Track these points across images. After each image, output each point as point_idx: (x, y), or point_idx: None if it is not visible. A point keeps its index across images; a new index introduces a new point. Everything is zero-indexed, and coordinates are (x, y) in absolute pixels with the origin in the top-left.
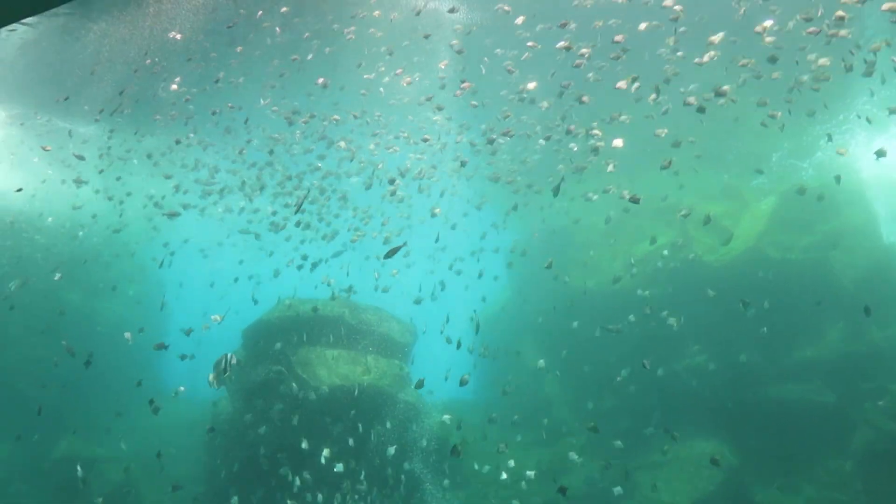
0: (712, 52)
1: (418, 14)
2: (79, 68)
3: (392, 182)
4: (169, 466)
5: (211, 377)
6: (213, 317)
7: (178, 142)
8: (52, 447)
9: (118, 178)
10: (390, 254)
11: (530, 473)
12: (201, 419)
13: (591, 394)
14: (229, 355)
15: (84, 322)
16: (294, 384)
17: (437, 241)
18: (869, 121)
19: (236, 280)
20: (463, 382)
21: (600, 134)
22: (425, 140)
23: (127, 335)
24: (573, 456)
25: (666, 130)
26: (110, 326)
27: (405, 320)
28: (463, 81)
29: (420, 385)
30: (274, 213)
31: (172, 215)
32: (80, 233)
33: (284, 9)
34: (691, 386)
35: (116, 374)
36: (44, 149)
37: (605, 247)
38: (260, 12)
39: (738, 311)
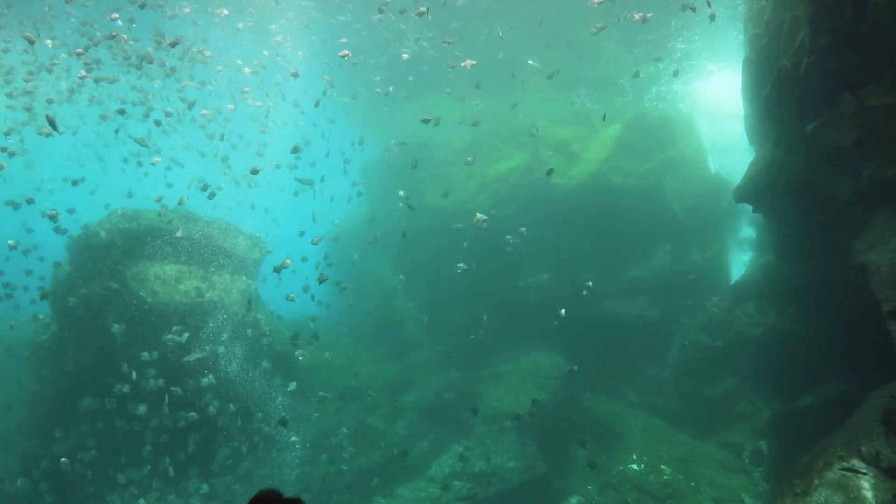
0: None
1: None
2: None
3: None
4: None
5: None
6: None
7: None
8: None
9: None
10: None
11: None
12: (23, 339)
13: (440, 311)
14: None
15: None
16: (129, 301)
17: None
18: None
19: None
20: (290, 299)
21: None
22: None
23: None
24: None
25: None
26: None
27: (254, 235)
28: None
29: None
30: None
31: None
32: None
33: None
34: (533, 302)
35: None
36: None
37: (460, 166)
38: None
39: (581, 232)
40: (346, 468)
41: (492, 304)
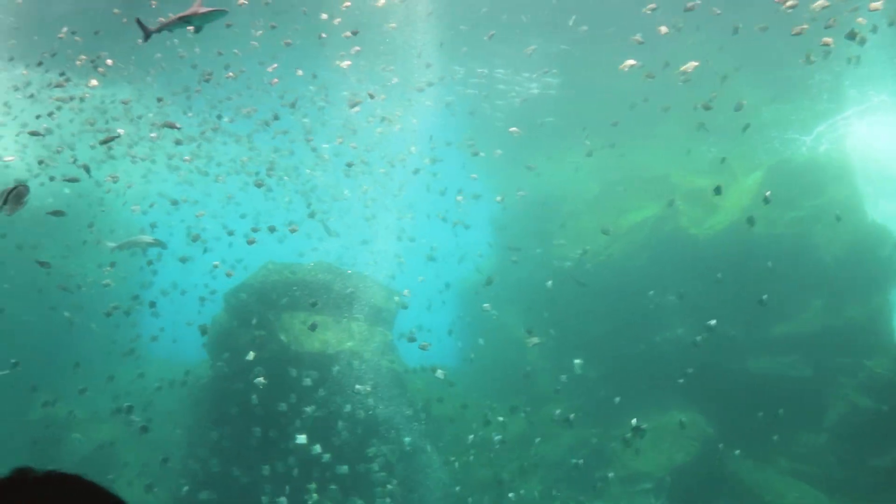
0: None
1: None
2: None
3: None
4: (151, 428)
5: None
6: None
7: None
8: (29, 408)
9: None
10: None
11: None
12: (183, 381)
13: (572, 364)
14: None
15: (63, 280)
16: (276, 349)
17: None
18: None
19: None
20: (423, 348)
21: None
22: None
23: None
24: None
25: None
26: (89, 285)
27: (390, 287)
28: None
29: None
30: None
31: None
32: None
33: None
34: (670, 358)
35: (96, 334)
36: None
37: (589, 217)
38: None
39: (721, 284)
40: None
41: (626, 358)
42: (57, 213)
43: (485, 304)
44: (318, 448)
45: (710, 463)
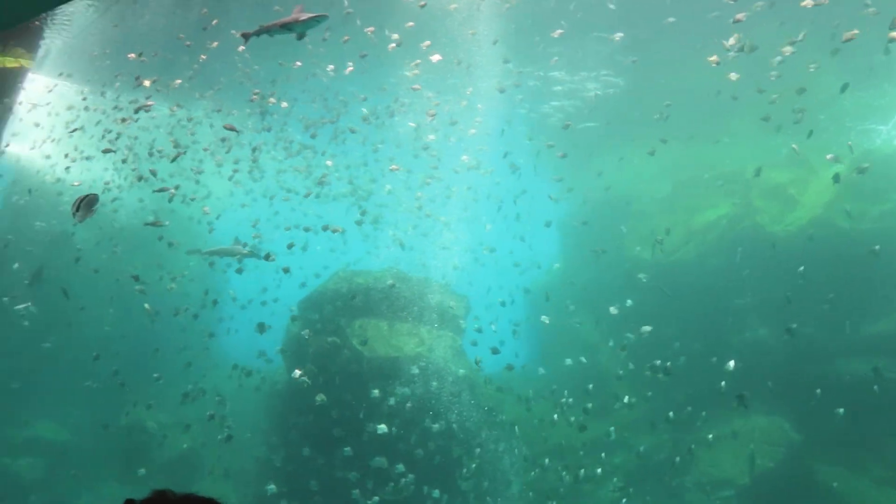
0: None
1: None
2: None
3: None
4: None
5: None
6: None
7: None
8: (119, 414)
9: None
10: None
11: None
12: (261, 386)
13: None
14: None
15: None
16: (348, 355)
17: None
18: None
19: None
20: (494, 351)
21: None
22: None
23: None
24: None
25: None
26: (168, 295)
27: (458, 292)
28: None
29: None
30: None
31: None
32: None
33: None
34: (749, 360)
35: (176, 343)
36: (122, 121)
37: (660, 217)
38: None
39: (803, 282)
40: None
41: (703, 360)
42: (155, 224)
43: (542, 317)
44: (401, 467)
45: (797, 470)
